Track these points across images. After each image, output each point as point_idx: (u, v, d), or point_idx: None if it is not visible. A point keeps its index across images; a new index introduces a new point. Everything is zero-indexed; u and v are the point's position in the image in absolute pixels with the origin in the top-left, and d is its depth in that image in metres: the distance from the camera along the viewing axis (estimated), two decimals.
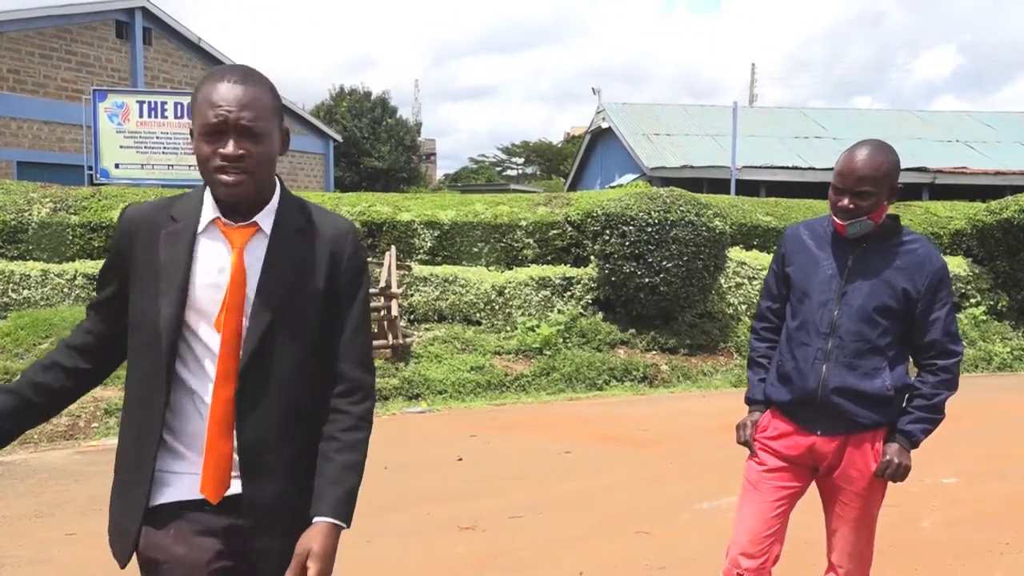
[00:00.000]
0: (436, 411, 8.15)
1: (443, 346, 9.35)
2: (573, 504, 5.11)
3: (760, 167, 18.82)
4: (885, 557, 4.21)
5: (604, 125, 22.47)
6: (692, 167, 18.67)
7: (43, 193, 10.67)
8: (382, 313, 9.16)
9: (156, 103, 13.82)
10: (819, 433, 2.59)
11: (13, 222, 10.11)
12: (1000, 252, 11.39)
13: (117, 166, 13.80)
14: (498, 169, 50.19)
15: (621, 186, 17.39)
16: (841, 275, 2.58)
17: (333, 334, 1.73)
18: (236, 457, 1.65)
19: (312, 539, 1.60)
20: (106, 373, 1.84)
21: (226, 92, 1.60)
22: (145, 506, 1.63)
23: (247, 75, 1.64)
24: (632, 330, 9.98)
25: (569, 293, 10.23)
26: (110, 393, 7.59)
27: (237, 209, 1.66)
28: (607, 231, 9.81)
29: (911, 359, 2.64)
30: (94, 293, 1.82)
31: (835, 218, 2.56)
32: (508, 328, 9.83)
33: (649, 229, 9.60)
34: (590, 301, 10.26)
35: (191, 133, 1.66)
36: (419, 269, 10.24)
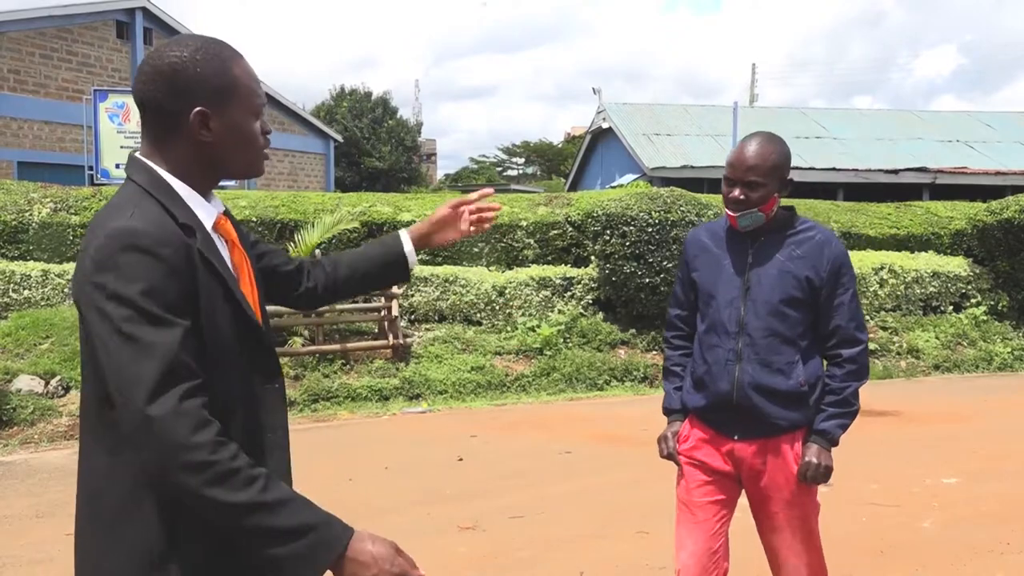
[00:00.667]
0: (437, 411, 8.16)
1: (443, 346, 9.35)
2: (573, 504, 5.11)
3: None
4: (886, 557, 4.21)
5: (604, 125, 22.46)
6: (692, 167, 18.67)
7: (43, 193, 10.67)
8: (382, 313, 9.16)
9: None
10: (736, 438, 2.55)
11: (13, 222, 10.12)
12: (1000, 252, 11.38)
13: (118, 166, 13.82)
14: (499, 169, 50.18)
15: (622, 186, 17.38)
16: (743, 271, 2.55)
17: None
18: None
19: None
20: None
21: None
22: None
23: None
24: (633, 330, 9.98)
25: (569, 293, 10.23)
26: None
27: (210, 195, 1.61)
28: (608, 231, 9.82)
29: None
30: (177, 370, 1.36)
31: (727, 211, 2.56)
32: (508, 328, 9.83)
33: (650, 229, 9.60)
34: (591, 301, 10.26)
35: (205, 113, 1.49)
36: (419, 269, 10.23)
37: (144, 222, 1.41)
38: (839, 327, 2.51)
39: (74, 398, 7.61)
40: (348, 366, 8.90)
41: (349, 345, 8.96)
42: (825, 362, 2.58)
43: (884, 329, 10.76)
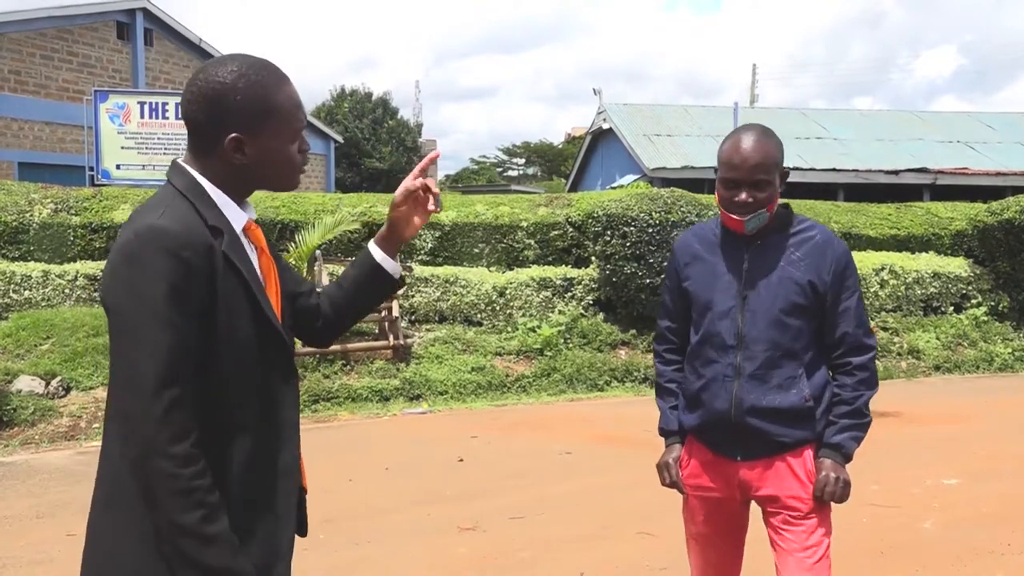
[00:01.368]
0: (437, 412, 8.16)
1: (444, 347, 9.35)
2: (574, 504, 5.11)
3: None
4: (887, 558, 4.21)
5: (605, 126, 22.46)
6: (693, 168, 18.66)
7: (44, 194, 10.68)
8: (383, 314, 9.16)
9: (157, 104, 13.85)
10: (739, 458, 2.34)
11: (14, 223, 10.12)
12: (1001, 253, 11.38)
13: (118, 167, 13.82)
14: (499, 170, 50.17)
15: (622, 187, 17.38)
16: (739, 279, 2.34)
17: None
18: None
19: None
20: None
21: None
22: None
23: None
24: (633, 331, 9.98)
25: (570, 294, 10.23)
26: None
27: (244, 203, 1.68)
28: (608, 232, 9.82)
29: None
30: (168, 370, 1.43)
31: (731, 215, 2.30)
32: (509, 329, 9.83)
33: (650, 230, 9.60)
34: (591, 302, 10.26)
35: (240, 140, 1.55)
36: (420, 270, 10.24)
37: (172, 222, 1.47)
38: (846, 334, 2.32)
39: (74, 399, 7.61)
40: (348, 367, 8.90)
41: (349, 346, 8.96)
42: (830, 371, 2.40)
43: (885, 330, 10.76)
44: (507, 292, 10.07)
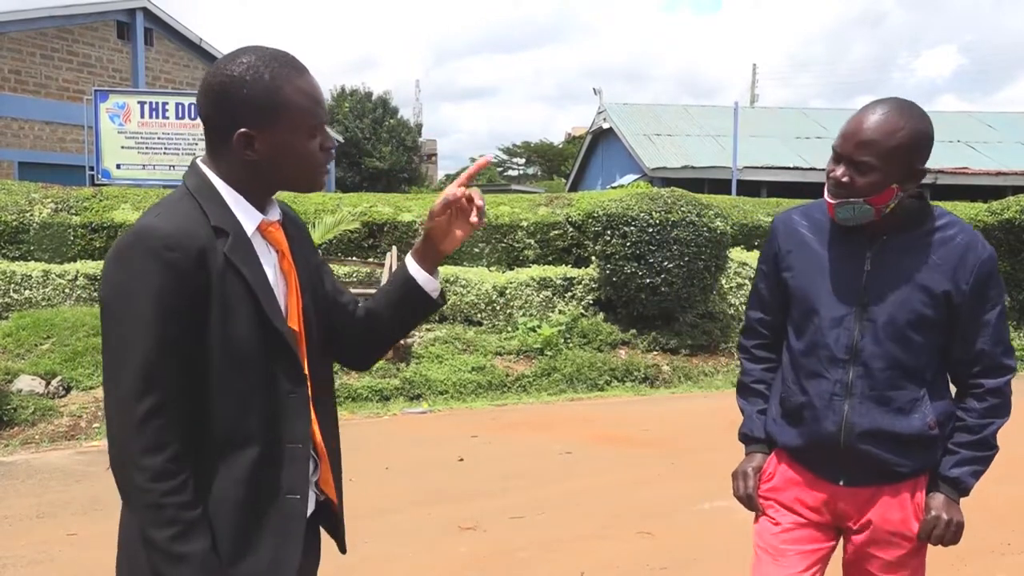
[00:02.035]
0: (437, 411, 8.16)
1: (444, 346, 9.35)
2: (574, 504, 5.11)
3: (761, 167, 18.81)
4: None
5: (605, 125, 22.47)
6: (693, 167, 18.67)
7: (44, 193, 10.68)
8: None
9: (157, 104, 13.84)
10: (842, 483, 2.03)
11: (14, 222, 10.12)
12: (1002, 253, 11.36)
13: (119, 166, 13.82)
14: (499, 169, 50.18)
15: (622, 186, 17.38)
16: (858, 281, 1.97)
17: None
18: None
19: None
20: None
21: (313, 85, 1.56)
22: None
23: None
24: (633, 330, 9.98)
25: (570, 294, 10.23)
26: None
27: (266, 203, 1.59)
28: (608, 232, 9.82)
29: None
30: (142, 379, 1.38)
31: (826, 196, 1.98)
32: (509, 328, 9.83)
33: (650, 230, 9.60)
34: (591, 302, 10.26)
35: (249, 135, 1.48)
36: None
37: (166, 222, 1.42)
38: (982, 352, 1.98)
39: (74, 398, 7.61)
40: None
41: None
42: (956, 390, 2.08)
43: None
44: (507, 292, 10.07)
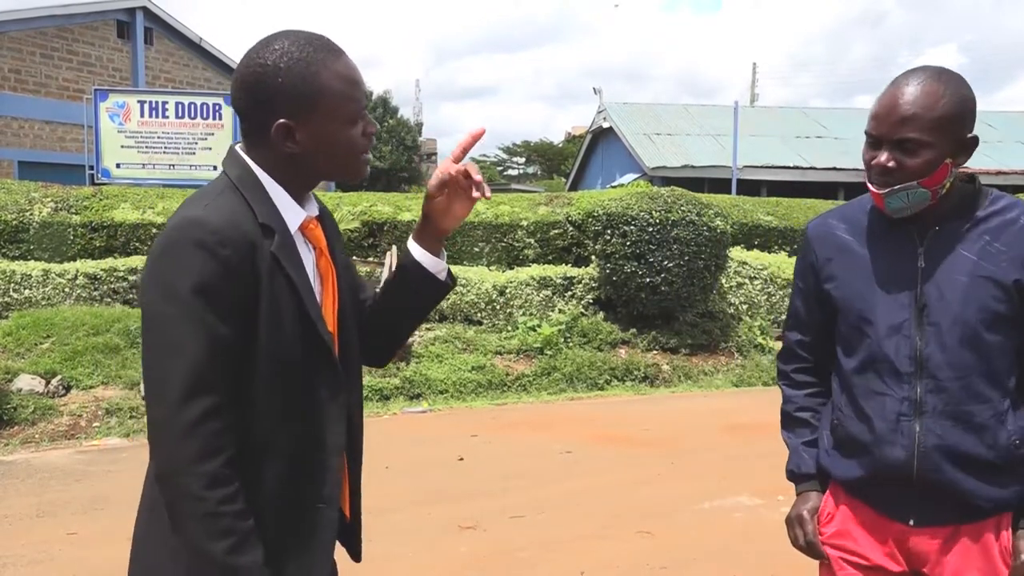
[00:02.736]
0: (437, 411, 8.16)
1: (444, 346, 9.35)
2: (574, 504, 5.11)
3: (761, 167, 18.82)
4: None
5: (605, 125, 22.48)
6: (693, 167, 18.68)
7: (44, 193, 10.68)
8: None
9: (157, 103, 13.83)
10: (912, 523, 1.73)
11: (14, 222, 10.12)
12: None
13: (118, 166, 13.81)
14: (499, 169, 50.20)
15: (622, 186, 17.38)
16: (912, 280, 1.72)
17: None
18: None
19: None
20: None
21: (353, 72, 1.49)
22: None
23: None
24: (633, 330, 9.98)
25: (570, 293, 10.23)
26: (111, 393, 7.60)
27: (304, 197, 1.51)
28: (608, 231, 9.82)
29: None
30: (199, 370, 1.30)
31: (871, 188, 1.71)
32: (509, 328, 9.83)
33: (650, 229, 9.60)
34: (591, 301, 10.26)
35: (288, 126, 1.40)
36: None
37: (215, 215, 1.34)
38: None
39: (75, 397, 7.61)
40: None
41: None
42: None
43: None
44: (507, 291, 10.07)
